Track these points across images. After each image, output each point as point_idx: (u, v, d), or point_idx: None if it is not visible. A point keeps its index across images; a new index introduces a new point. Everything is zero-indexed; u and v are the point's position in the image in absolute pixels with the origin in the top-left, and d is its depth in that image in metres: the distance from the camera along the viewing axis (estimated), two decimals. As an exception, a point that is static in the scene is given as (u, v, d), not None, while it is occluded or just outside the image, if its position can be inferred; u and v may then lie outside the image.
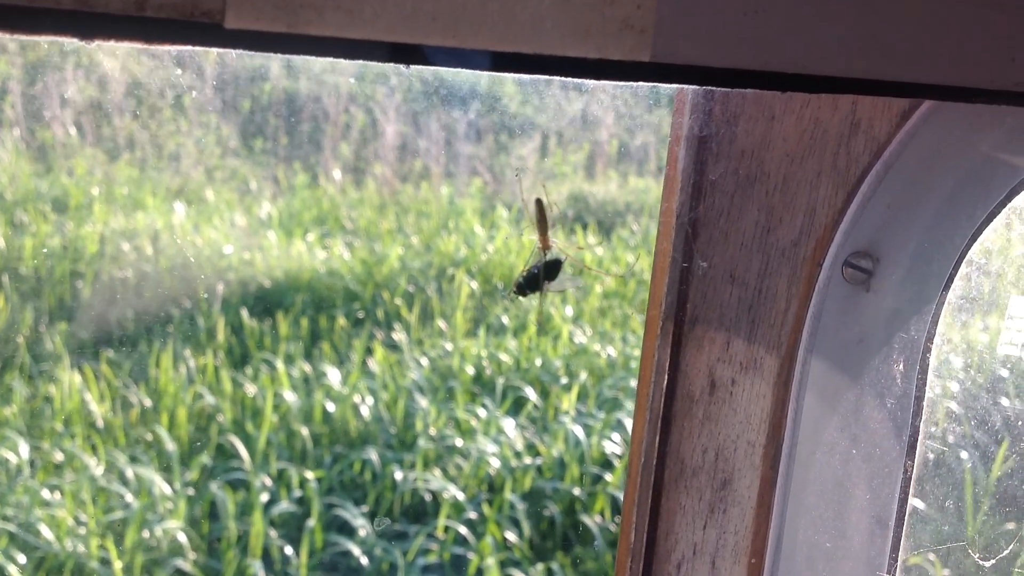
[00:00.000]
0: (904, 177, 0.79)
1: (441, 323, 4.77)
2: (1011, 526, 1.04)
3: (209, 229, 5.14)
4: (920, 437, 0.86)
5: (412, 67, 0.54)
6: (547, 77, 0.55)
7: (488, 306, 4.99)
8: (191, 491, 3.40)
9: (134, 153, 5.35)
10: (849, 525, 0.85)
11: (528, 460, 3.77)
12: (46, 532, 3.07)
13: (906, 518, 0.86)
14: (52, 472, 3.41)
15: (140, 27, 0.46)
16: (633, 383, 4.14)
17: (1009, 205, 0.80)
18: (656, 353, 0.83)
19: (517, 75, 0.57)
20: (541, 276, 0.86)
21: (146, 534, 3.17)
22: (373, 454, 3.71)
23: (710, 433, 0.84)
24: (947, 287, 0.82)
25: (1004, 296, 0.92)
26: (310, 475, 3.54)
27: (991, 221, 0.81)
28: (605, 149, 6.63)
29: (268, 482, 3.51)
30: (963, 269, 0.83)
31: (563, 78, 0.55)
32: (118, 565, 3.04)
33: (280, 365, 4.09)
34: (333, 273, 5.09)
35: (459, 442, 3.79)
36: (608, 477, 3.72)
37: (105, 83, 4.99)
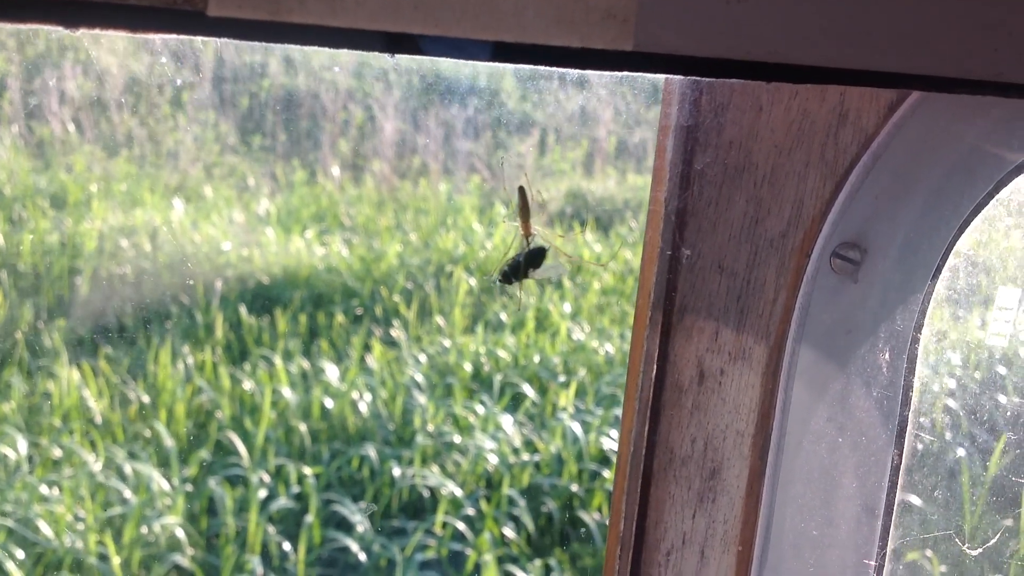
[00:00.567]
0: (892, 168, 0.80)
1: (439, 320, 4.77)
2: (1008, 521, 1.04)
3: (207, 226, 5.14)
4: (909, 427, 0.86)
5: (397, 56, 0.55)
6: (531, 66, 0.55)
7: (486, 303, 5.00)
8: (189, 487, 3.40)
9: (132, 149, 5.36)
10: (837, 514, 0.85)
11: (526, 456, 3.77)
12: (44, 528, 3.08)
13: (895, 507, 0.87)
14: (50, 468, 3.41)
15: (124, 15, 0.46)
16: (631, 379, 4.13)
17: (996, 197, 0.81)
18: (645, 343, 0.83)
19: (505, 65, 0.57)
20: (523, 264, 0.86)
21: (144, 530, 3.18)
22: (371, 450, 3.71)
23: (699, 423, 0.85)
24: (935, 277, 0.82)
25: (991, 288, 0.92)
26: (308, 471, 3.54)
27: (979, 212, 0.82)
28: (603, 146, 6.64)
29: (266, 478, 3.51)
30: (951, 260, 0.84)
31: (547, 67, 0.56)
32: (116, 561, 3.04)
33: (278, 361, 4.10)
34: (331, 270, 5.10)
35: (457, 438, 3.79)
36: (606, 474, 3.73)
37: (103, 79, 4.98)
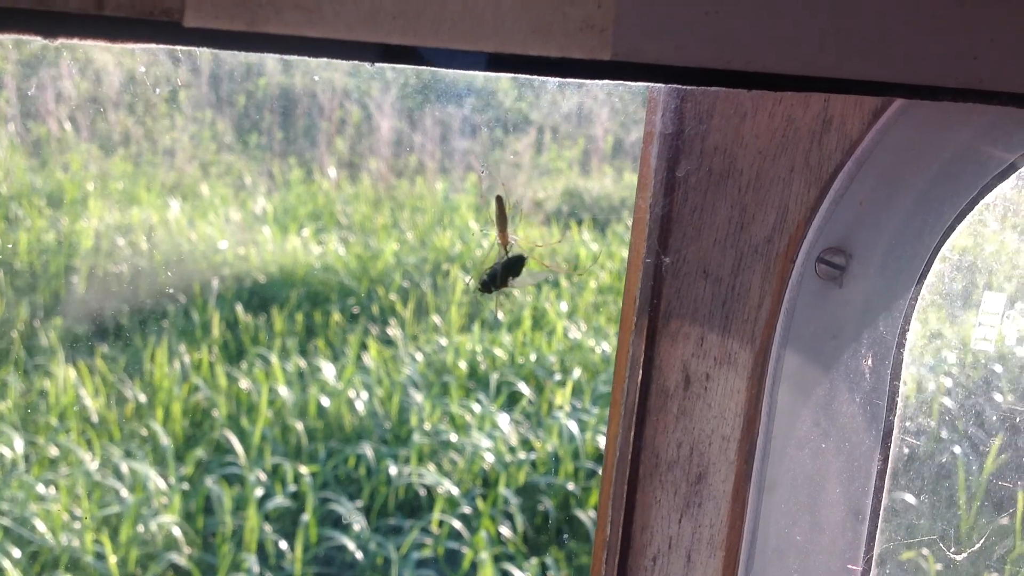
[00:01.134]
0: (876, 174, 0.80)
1: (436, 318, 4.77)
2: (1004, 521, 1.05)
3: (204, 224, 5.14)
4: (895, 431, 0.86)
5: (376, 65, 0.55)
6: (510, 75, 0.55)
7: (482, 302, 4.99)
8: (186, 486, 3.41)
9: (129, 148, 5.35)
10: (823, 518, 0.85)
11: (522, 455, 3.77)
12: (41, 526, 3.08)
13: (881, 511, 0.87)
14: (47, 467, 3.41)
15: (100, 26, 0.46)
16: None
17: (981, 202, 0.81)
18: (630, 348, 0.83)
19: (481, 73, 0.57)
20: (501, 273, 0.87)
21: (141, 528, 3.18)
22: (368, 449, 3.71)
23: (685, 428, 0.85)
24: (920, 283, 0.83)
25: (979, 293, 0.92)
26: (304, 470, 3.55)
27: (963, 218, 0.82)
28: (600, 145, 6.64)
29: (263, 477, 3.51)
30: (936, 266, 0.84)
31: (527, 76, 0.56)
32: (113, 559, 3.04)
33: (275, 360, 4.10)
34: (328, 268, 5.10)
35: (453, 437, 3.80)
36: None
37: (100, 78, 4.98)
